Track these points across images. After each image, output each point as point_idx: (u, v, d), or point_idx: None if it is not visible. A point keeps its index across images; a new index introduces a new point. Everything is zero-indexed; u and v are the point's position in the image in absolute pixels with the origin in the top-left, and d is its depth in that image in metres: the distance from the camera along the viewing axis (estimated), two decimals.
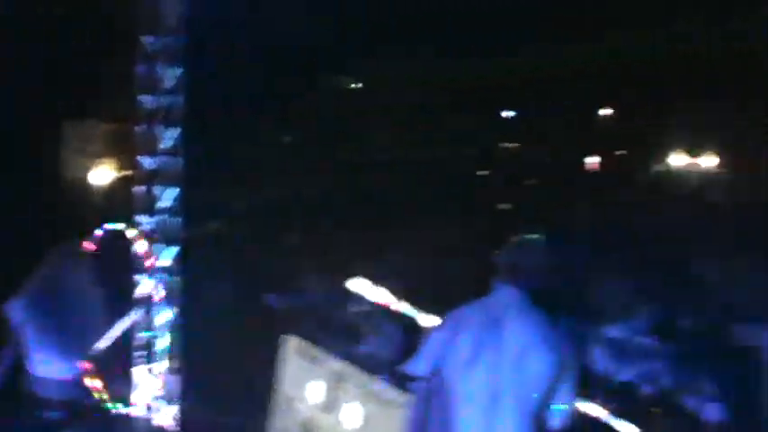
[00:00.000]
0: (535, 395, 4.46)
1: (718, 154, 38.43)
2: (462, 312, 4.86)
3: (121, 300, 9.53)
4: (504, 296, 4.72)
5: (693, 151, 38.39)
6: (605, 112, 43.39)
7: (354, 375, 7.30)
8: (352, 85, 27.55)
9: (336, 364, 7.57)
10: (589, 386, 8.10)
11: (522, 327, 4.62)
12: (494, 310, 4.70)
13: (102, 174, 18.28)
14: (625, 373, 8.54)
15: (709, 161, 38.77)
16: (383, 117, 23.14)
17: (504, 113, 41.91)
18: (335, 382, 7.38)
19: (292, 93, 18.71)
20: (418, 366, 4.86)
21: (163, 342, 9.87)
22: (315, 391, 7.58)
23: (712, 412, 7.89)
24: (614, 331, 8.82)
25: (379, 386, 6.94)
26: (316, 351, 7.86)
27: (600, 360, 8.76)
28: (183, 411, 9.97)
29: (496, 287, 4.79)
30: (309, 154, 20.11)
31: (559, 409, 4.49)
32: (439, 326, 5.07)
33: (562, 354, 4.58)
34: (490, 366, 4.54)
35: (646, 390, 8.42)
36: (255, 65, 16.40)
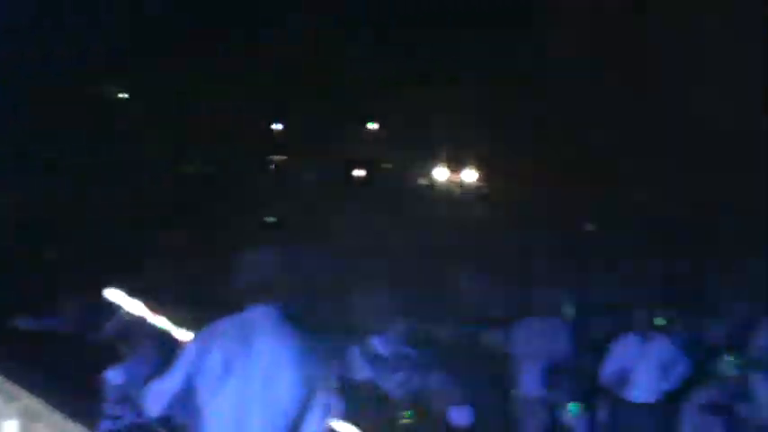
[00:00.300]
0: (285, 414, 4.41)
1: (477, 168, 40.07)
2: (215, 328, 4.74)
3: None
4: (256, 312, 4.65)
5: (452, 165, 39.83)
6: (373, 126, 44.42)
7: (46, 414, 6.87)
8: (118, 96, 27.03)
9: (31, 402, 7.09)
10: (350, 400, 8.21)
11: (274, 344, 4.54)
12: (246, 327, 4.61)
13: None
14: (384, 383, 8.69)
15: (468, 175, 40.36)
16: (147, 127, 22.79)
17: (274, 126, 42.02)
18: (29, 421, 6.94)
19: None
20: (170, 382, 4.71)
21: None
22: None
23: (460, 416, 8.13)
24: (374, 343, 8.95)
25: (72, 427, 6.57)
26: (11, 387, 7.36)
27: (359, 372, 8.88)
28: None
29: (249, 303, 4.71)
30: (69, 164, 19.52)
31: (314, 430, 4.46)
32: (191, 341, 4.92)
33: (315, 372, 4.54)
34: (240, 384, 4.47)
35: (401, 397, 8.59)
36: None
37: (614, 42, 21.25)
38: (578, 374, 9.85)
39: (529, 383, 9.53)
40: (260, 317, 4.62)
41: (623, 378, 9.35)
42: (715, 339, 10.69)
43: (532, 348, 9.59)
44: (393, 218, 21.29)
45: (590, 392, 9.67)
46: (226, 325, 4.66)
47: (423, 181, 44.49)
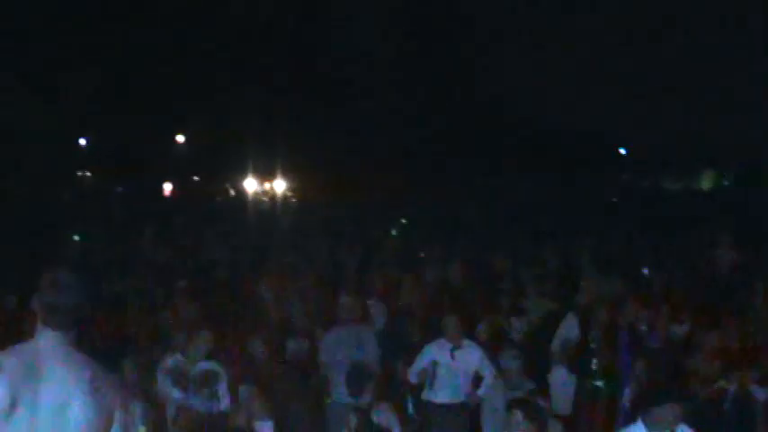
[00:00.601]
0: None
1: (286, 179, 40.21)
2: (1, 359, 4.56)
3: None
4: (46, 340, 4.50)
5: (260, 177, 39.82)
6: (179, 138, 43.82)
7: None
8: None
9: None
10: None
11: (65, 373, 4.42)
12: (34, 356, 4.45)
13: None
14: (190, 400, 8.64)
15: (279, 186, 40.49)
16: None
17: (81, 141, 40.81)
18: None
19: None
20: None
21: None
22: None
23: (263, 430, 8.23)
24: (178, 361, 8.90)
25: None
26: None
27: (165, 387, 8.80)
28: None
29: (38, 330, 4.56)
30: None
31: None
32: None
33: (110, 399, 4.43)
34: (29, 416, 4.32)
35: (210, 412, 8.57)
36: None
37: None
38: (387, 379, 10.03)
39: (338, 390, 9.60)
40: (48, 343, 4.47)
41: (431, 380, 9.58)
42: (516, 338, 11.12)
43: (340, 355, 9.67)
44: (202, 230, 21.10)
45: (398, 395, 9.84)
46: (12, 355, 4.50)
47: (231, 192, 44.42)
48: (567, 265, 14.92)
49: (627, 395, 9.19)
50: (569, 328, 10.54)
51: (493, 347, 9.98)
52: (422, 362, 9.73)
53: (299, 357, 10.17)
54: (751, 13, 45.83)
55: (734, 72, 47.12)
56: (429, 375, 9.62)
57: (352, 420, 8.11)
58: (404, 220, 25.10)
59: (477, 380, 9.61)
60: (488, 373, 9.54)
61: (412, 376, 9.79)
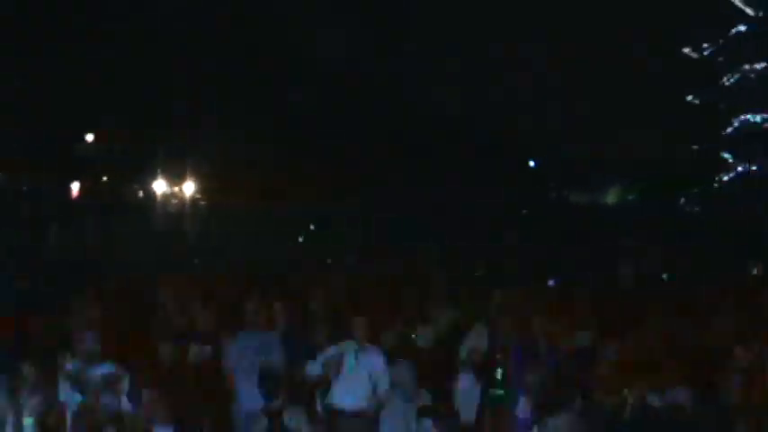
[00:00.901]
0: None
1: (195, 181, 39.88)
2: None
3: None
4: None
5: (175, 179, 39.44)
6: (89, 137, 43.05)
7: None
8: None
9: None
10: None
11: None
12: None
13: None
14: (92, 405, 8.52)
15: (188, 188, 40.10)
16: None
17: None
18: None
19: None
20: None
21: None
22: None
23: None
24: (74, 362, 8.80)
25: None
26: None
27: (65, 390, 8.68)
28: None
29: None
30: None
31: None
32: None
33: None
34: None
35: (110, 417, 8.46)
36: None
37: None
38: (292, 384, 9.97)
39: (245, 395, 9.55)
40: None
41: (334, 378, 9.53)
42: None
43: (246, 361, 9.62)
44: (110, 231, 20.81)
45: (305, 400, 9.77)
46: None
47: (141, 193, 43.82)
48: (474, 273, 15.10)
49: (521, 406, 9.31)
50: (477, 338, 10.64)
51: (396, 355, 10.01)
52: (326, 355, 9.67)
53: (203, 362, 10.07)
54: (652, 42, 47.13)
55: (637, 92, 48.17)
56: (333, 370, 9.49)
57: (262, 424, 8.09)
58: (312, 226, 25.11)
59: (375, 386, 9.58)
60: (386, 381, 9.53)
61: (314, 368, 9.65)
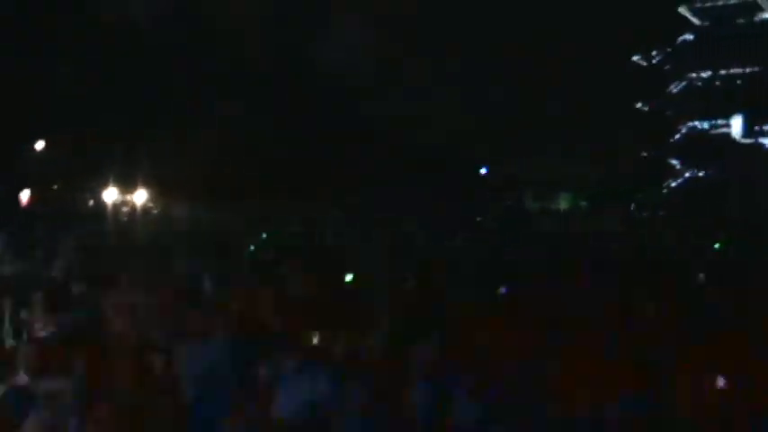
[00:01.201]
0: None
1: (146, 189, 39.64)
2: None
3: None
4: None
5: (121, 186, 39.13)
6: (39, 146, 42.60)
7: None
8: None
9: None
10: None
11: None
12: None
13: None
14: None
15: (140, 196, 39.83)
16: None
17: None
18: None
19: None
20: None
21: None
22: None
23: None
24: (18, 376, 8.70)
25: None
26: None
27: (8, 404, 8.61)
28: None
29: None
30: None
31: None
32: None
33: None
34: None
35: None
36: None
37: None
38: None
39: (195, 404, 9.51)
40: None
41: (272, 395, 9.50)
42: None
43: (195, 370, 9.59)
44: (59, 240, 20.62)
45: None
46: None
47: (90, 202, 43.45)
48: (426, 281, 15.10)
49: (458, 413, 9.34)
50: (428, 350, 10.64)
51: (347, 364, 10.01)
52: (269, 366, 9.58)
53: (154, 372, 10.02)
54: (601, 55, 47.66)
55: (586, 100, 48.70)
56: (275, 382, 9.44)
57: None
58: (264, 235, 25.06)
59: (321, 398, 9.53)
60: (329, 392, 9.48)
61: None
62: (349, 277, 15.08)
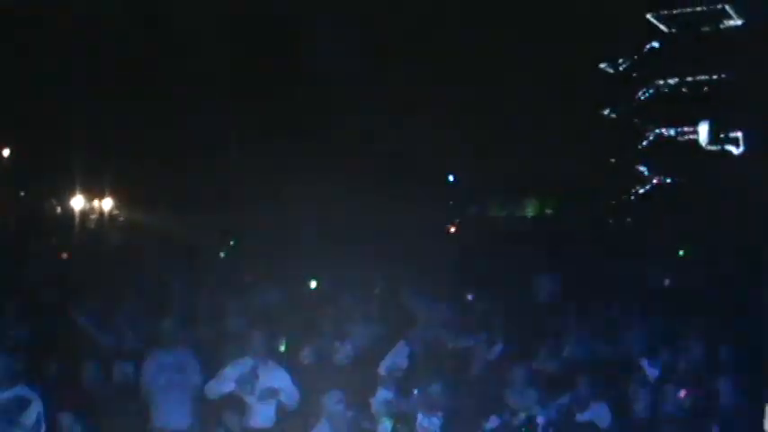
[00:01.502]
0: None
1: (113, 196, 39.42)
2: None
3: None
4: None
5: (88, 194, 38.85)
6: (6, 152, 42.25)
7: None
8: None
9: None
10: None
11: None
12: None
13: None
14: None
15: (106, 203, 39.61)
16: None
17: None
18: None
19: None
20: None
21: None
22: None
23: None
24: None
25: None
26: None
27: None
28: None
29: None
30: None
31: None
32: None
33: None
34: None
35: None
36: None
37: None
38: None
39: (161, 415, 9.48)
40: None
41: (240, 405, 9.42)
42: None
43: (163, 379, 9.56)
44: (26, 247, 20.51)
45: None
46: None
47: (58, 209, 43.11)
48: (394, 289, 15.09)
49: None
50: (399, 354, 10.69)
51: (315, 371, 10.01)
52: (234, 371, 9.49)
53: (124, 382, 9.97)
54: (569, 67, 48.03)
55: (554, 106, 48.92)
56: (246, 388, 9.35)
57: None
58: (232, 242, 25.00)
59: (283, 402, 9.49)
60: (293, 398, 9.51)
61: (222, 386, 9.39)
62: (314, 284, 15.10)
